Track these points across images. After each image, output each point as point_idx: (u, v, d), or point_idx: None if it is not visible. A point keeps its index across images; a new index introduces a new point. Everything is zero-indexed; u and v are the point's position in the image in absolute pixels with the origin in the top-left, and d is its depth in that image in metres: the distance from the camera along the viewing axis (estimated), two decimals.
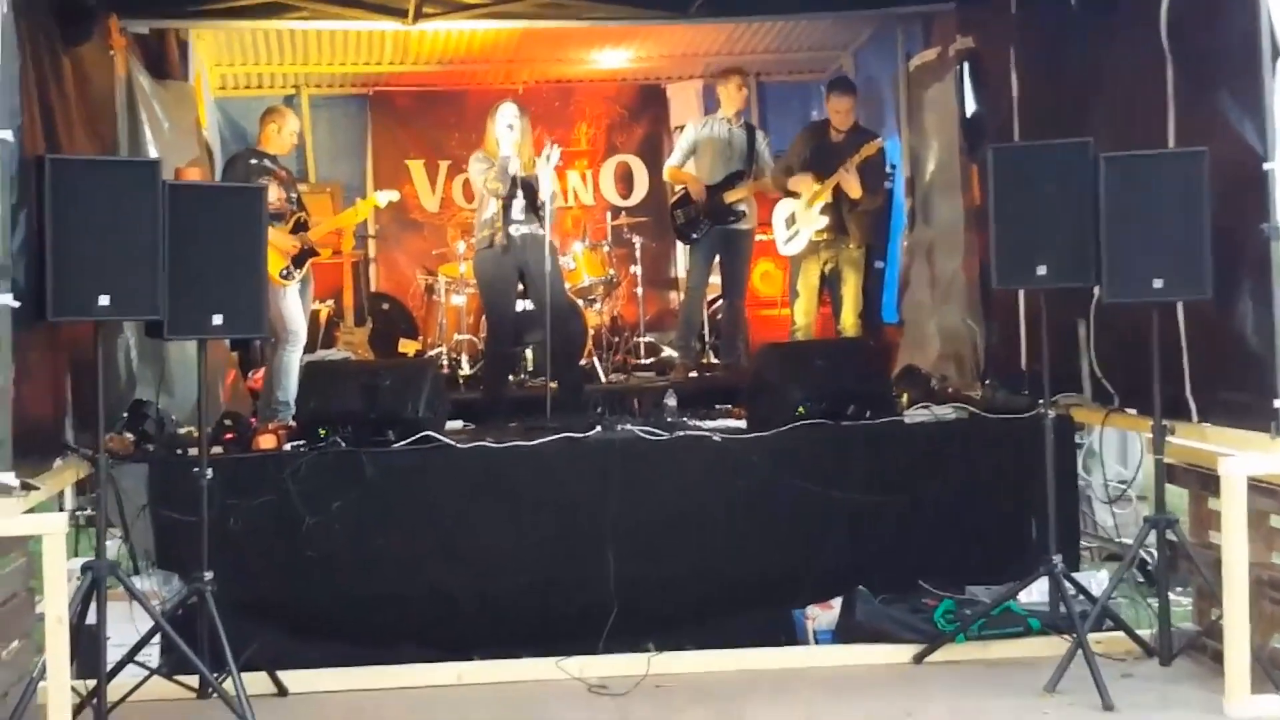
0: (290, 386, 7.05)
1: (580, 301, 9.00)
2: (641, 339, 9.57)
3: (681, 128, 9.70)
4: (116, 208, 4.61)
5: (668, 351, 9.52)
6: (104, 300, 4.56)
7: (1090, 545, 7.09)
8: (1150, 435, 5.43)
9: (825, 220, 8.19)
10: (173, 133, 7.54)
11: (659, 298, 10.65)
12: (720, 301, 9.47)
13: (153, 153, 7.19)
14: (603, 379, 8.82)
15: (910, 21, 8.98)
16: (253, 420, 6.84)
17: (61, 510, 5.84)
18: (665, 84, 11.12)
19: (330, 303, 9.42)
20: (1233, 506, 4.79)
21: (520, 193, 7.38)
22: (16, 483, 4.34)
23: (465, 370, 8.79)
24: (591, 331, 9.00)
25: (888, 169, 9.44)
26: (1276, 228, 4.75)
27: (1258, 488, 5.04)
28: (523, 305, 7.88)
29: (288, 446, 6.13)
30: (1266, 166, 4.77)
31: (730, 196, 8.71)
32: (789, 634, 6.07)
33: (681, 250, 10.27)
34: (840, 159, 8.10)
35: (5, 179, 4.42)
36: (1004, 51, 7.22)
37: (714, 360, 9.36)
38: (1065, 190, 5.25)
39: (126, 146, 7.02)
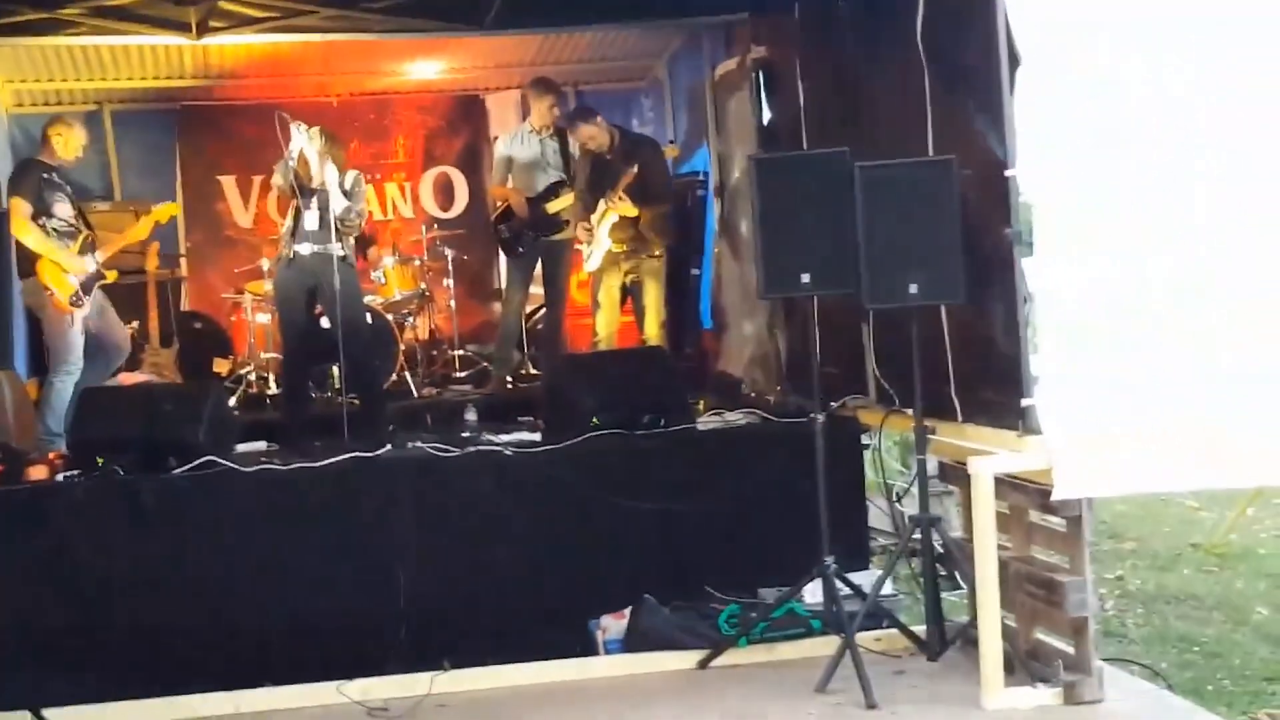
0: (56, 415, 6.90)
1: (390, 316, 8.92)
2: (456, 352, 9.51)
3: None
4: None
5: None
6: None
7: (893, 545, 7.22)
8: None
9: (611, 240, 8.31)
10: None
11: (482, 309, 10.57)
12: (542, 311, 9.49)
13: None
14: (415, 394, 8.76)
15: (715, 31, 9.06)
16: None
17: None
18: (484, 94, 11.06)
19: (135, 324, 9.19)
20: (980, 503, 4.93)
21: (313, 207, 7.23)
22: None
23: (273, 389, 8.66)
24: (403, 347, 8.92)
25: (694, 173, 9.62)
26: (1019, 232, 4.90)
27: (1016, 485, 5.19)
28: (326, 323, 7.78)
29: (61, 477, 5.97)
30: (1008, 173, 4.92)
31: (552, 207, 8.78)
32: (586, 646, 6.07)
33: (504, 261, 10.21)
34: (615, 175, 8.22)
35: None
36: (791, 60, 7.35)
37: (534, 371, 9.36)
38: (825, 199, 5.35)
39: None
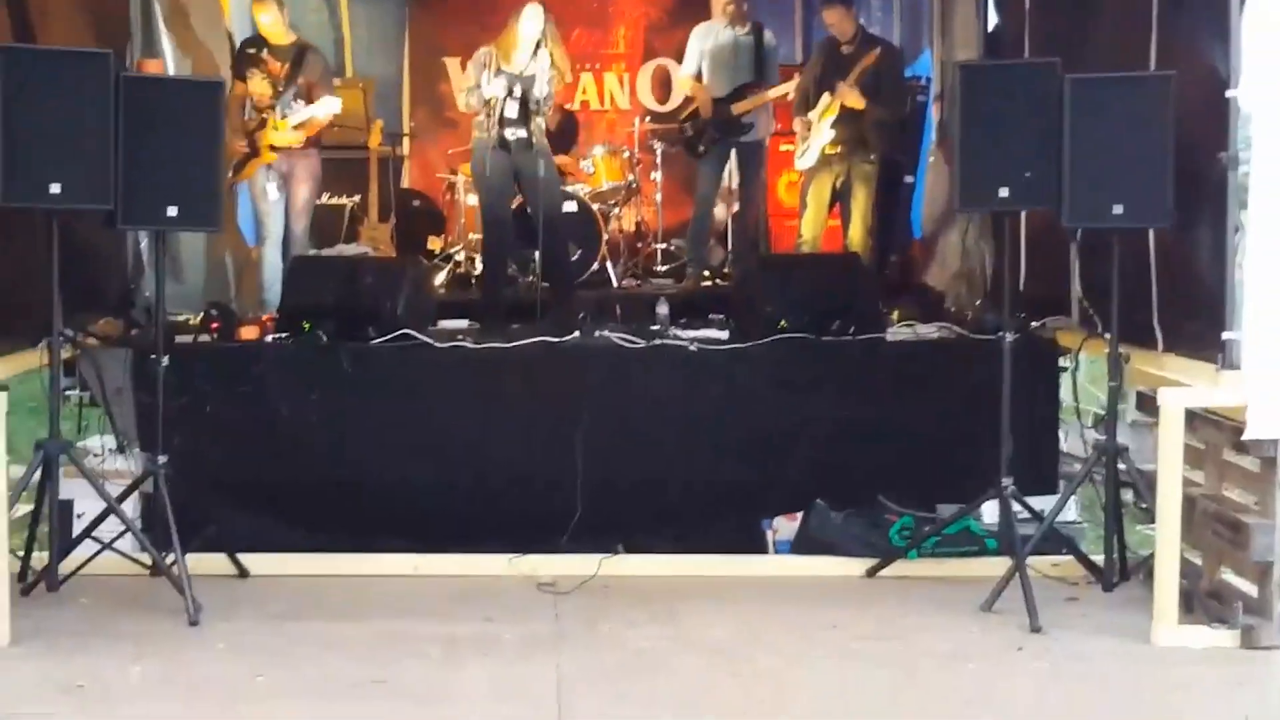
0: (265, 282, 7.19)
1: (596, 206, 9.00)
2: (659, 246, 9.56)
3: None
4: (70, 98, 4.73)
5: None
6: (55, 188, 4.69)
7: None
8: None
9: (833, 134, 8.10)
10: (189, 21, 7.59)
11: (689, 205, 10.52)
12: None
13: (165, 42, 7.32)
14: (615, 284, 8.86)
15: None
16: None
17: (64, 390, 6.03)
18: None
19: (356, 198, 9.48)
20: (1168, 436, 4.76)
21: (515, 92, 7.26)
22: None
23: (478, 270, 8.85)
24: (606, 237, 9.00)
25: (915, 78, 9.36)
26: (1234, 156, 4.66)
27: (1212, 420, 5.01)
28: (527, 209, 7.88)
29: (270, 338, 6.28)
30: (1229, 93, 4.67)
31: (739, 108, 8.66)
32: (757, 544, 6.13)
33: None
34: (849, 65, 8.02)
35: None
36: None
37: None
38: (1033, 111, 5.14)
39: (140, 37, 7.13)
